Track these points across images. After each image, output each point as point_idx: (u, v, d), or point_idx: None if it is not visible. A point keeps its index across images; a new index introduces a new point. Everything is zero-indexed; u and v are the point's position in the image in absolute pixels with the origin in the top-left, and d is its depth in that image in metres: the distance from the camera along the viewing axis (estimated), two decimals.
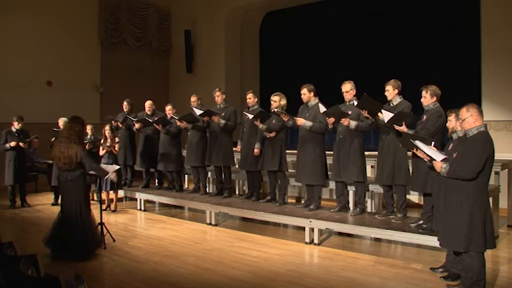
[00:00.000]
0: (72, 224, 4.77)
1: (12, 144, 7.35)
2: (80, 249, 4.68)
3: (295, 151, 5.99)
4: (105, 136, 7.25)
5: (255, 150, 6.23)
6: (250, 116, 6.07)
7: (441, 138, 4.63)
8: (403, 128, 4.67)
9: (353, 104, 5.34)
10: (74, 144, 4.81)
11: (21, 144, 7.37)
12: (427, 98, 4.64)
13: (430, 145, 3.93)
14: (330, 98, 5.72)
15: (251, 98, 6.42)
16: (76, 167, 4.83)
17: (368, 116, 5.06)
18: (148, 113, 7.63)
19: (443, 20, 9.04)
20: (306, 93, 5.74)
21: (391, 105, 5.05)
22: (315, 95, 5.75)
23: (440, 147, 4.31)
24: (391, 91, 5.04)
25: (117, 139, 7.32)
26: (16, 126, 7.47)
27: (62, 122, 7.54)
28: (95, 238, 4.96)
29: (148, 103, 7.68)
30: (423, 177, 4.57)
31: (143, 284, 4.04)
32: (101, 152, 7.23)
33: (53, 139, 7.19)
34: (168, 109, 7.40)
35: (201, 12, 12.14)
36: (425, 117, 4.65)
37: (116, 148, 7.26)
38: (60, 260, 4.60)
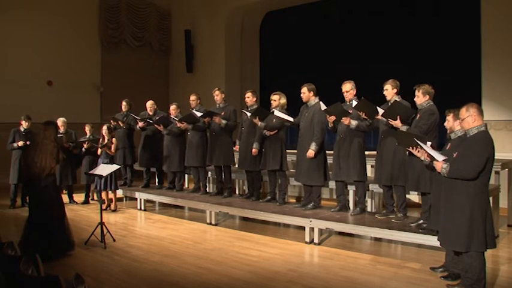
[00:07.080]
0: (44, 228, 4.65)
1: (20, 143, 7.35)
2: (49, 250, 4.56)
3: (295, 151, 5.98)
4: (103, 136, 7.23)
5: (253, 150, 6.24)
6: (249, 114, 6.07)
7: (436, 137, 4.63)
8: (398, 123, 4.68)
9: (353, 103, 5.34)
10: (50, 156, 4.70)
11: (28, 143, 7.29)
12: (420, 97, 4.66)
13: (426, 144, 3.93)
14: (330, 98, 5.71)
15: (250, 97, 6.42)
16: (47, 175, 4.74)
17: (366, 117, 5.08)
18: (150, 113, 7.60)
19: (443, 20, 9.05)
20: (305, 92, 5.72)
21: (390, 105, 5.04)
22: (315, 95, 5.73)
23: (438, 147, 4.31)
24: (389, 90, 5.03)
25: (114, 140, 7.24)
26: (24, 125, 7.48)
27: (60, 122, 7.50)
28: (65, 242, 4.82)
29: (149, 103, 7.67)
30: (416, 176, 4.57)
31: (143, 283, 4.04)
32: (98, 152, 7.22)
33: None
34: (172, 109, 7.36)
35: (201, 12, 12.13)
36: (418, 115, 4.66)
37: (112, 149, 7.13)
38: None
